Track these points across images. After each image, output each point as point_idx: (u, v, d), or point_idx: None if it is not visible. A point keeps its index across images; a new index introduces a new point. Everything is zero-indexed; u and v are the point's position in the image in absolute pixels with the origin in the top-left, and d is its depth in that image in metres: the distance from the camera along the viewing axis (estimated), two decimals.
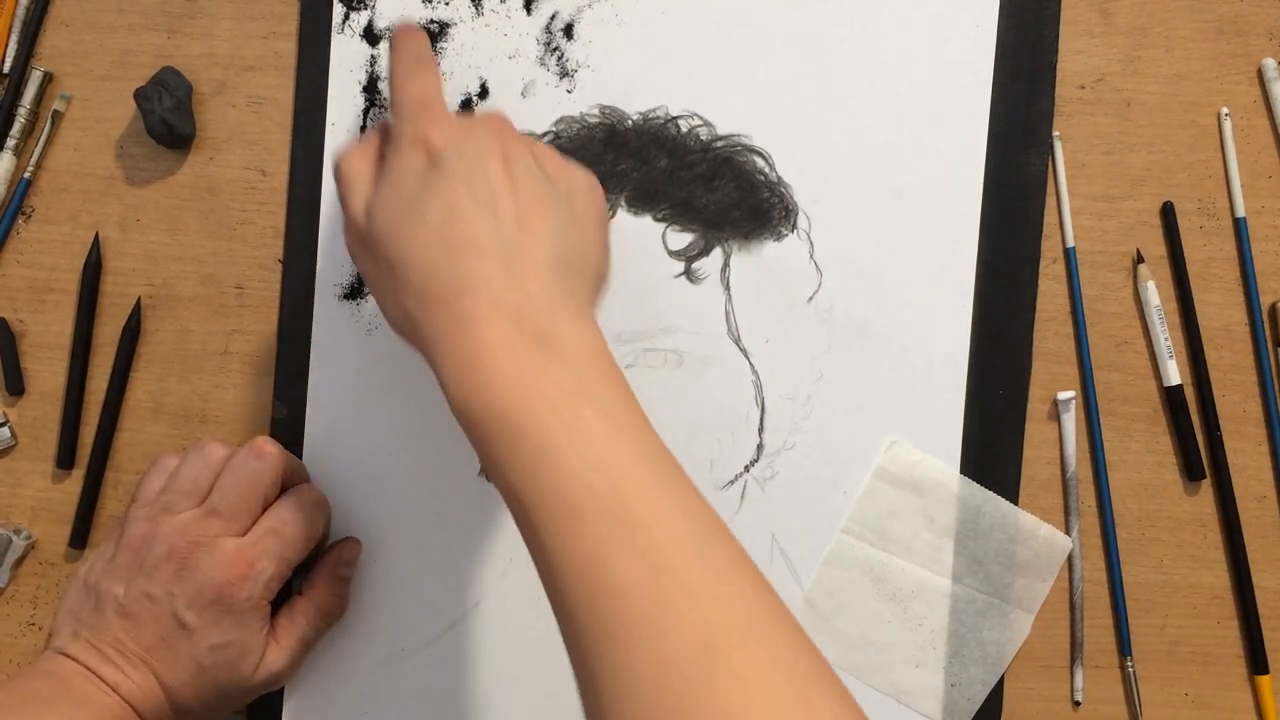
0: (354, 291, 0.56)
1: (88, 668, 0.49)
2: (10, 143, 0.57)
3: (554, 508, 0.38)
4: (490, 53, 0.56)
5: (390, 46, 0.49)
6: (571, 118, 0.55)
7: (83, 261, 0.57)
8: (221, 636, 0.49)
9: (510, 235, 0.43)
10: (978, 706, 0.55)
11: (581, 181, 0.47)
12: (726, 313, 0.55)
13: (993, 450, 0.56)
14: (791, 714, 0.34)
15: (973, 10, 0.55)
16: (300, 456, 0.56)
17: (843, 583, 0.55)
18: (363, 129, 0.56)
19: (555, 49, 0.56)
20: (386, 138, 0.47)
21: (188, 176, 0.57)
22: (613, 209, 0.55)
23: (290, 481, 0.53)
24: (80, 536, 0.57)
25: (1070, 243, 0.56)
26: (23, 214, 0.58)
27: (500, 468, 0.40)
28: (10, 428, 0.57)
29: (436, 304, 0.42)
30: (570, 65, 0.56)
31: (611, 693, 0.36)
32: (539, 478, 0.39)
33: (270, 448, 0.52)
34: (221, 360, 0.57)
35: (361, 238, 0.45)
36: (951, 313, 0.55)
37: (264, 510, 0.52)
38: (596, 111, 0.56)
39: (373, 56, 0.56)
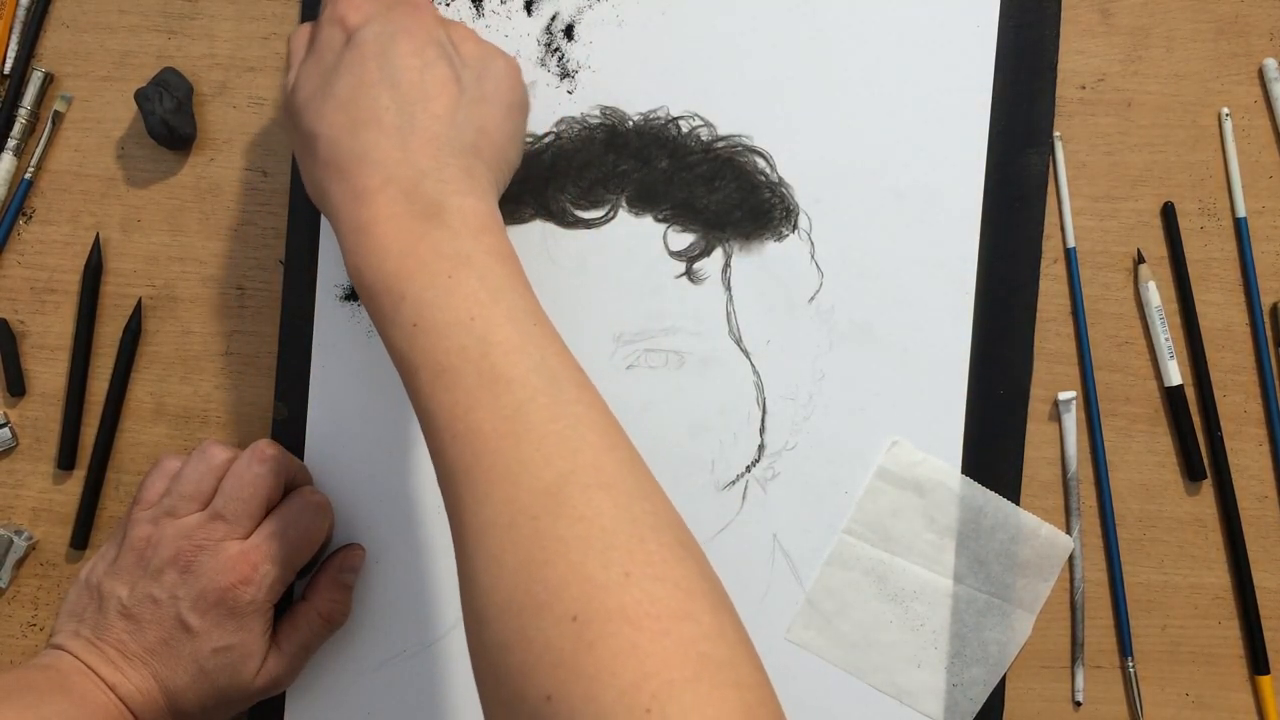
0: (355, 293, 0.56)
1: (87, 665, 0.49)
2: (11, 144, 0.57)
3: (429, 367, 0.41)
4: None
5: None
6: (572, 118, 0.55)
7: (84, 262, 0.57)
8: (224, 639, 0.49)
9: (410, 112, 0.45)
10: (979, 706, 0.55)
11: (498, 65, 0.49)
12: (728, 313, 0.55)
13: (994, 450, 0.56)
14: (625, 546, 0.38)
15: (973, 10, 0.55)
16: (302, 458, 0.56)
17: (844, 583, 0.55)
18: None
19: (556, 50, 0.56)
20: None
21: (188, 177, 0.57)
22: (614, 209, 0.55)
23: (293, 484, 0.53)
24: (81, 537, 0.57)
25: (1071, 243, 0.56)
26: (23, 215, 0.58)
27: (386, 332, 0.43)
28: (11, 428, 0.57)
29: (338, 175, 0.45)
30: (571, 66, 0.56)
31: (473, 530, 0.39)
32: (416, 339, 0.42)
33: (272, 450, 0.52)
34: (223, 361, 0.57)
35: (287, 110, 0.48)
36: (952, 313, 0.55)
37: (267, 513, 0.52)
38: (597, 112, 0.56)
39: None
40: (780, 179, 0.55)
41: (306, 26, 0.50)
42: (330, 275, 0.56)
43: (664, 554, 0.38)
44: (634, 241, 0.55)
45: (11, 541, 0.57)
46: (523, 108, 0.50)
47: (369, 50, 0.46)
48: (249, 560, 0.50)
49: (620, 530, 0.38)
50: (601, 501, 0.39)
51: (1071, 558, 0.56)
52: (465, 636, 0.40)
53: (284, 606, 0.53)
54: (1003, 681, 0.56)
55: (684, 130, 0.55)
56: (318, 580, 0.54)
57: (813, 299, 0.55)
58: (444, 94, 0.46)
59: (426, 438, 0.42)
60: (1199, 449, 0.56)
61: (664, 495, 0.41)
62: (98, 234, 0.57)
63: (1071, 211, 0.56)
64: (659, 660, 0.35)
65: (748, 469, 0.55)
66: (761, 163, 0.55)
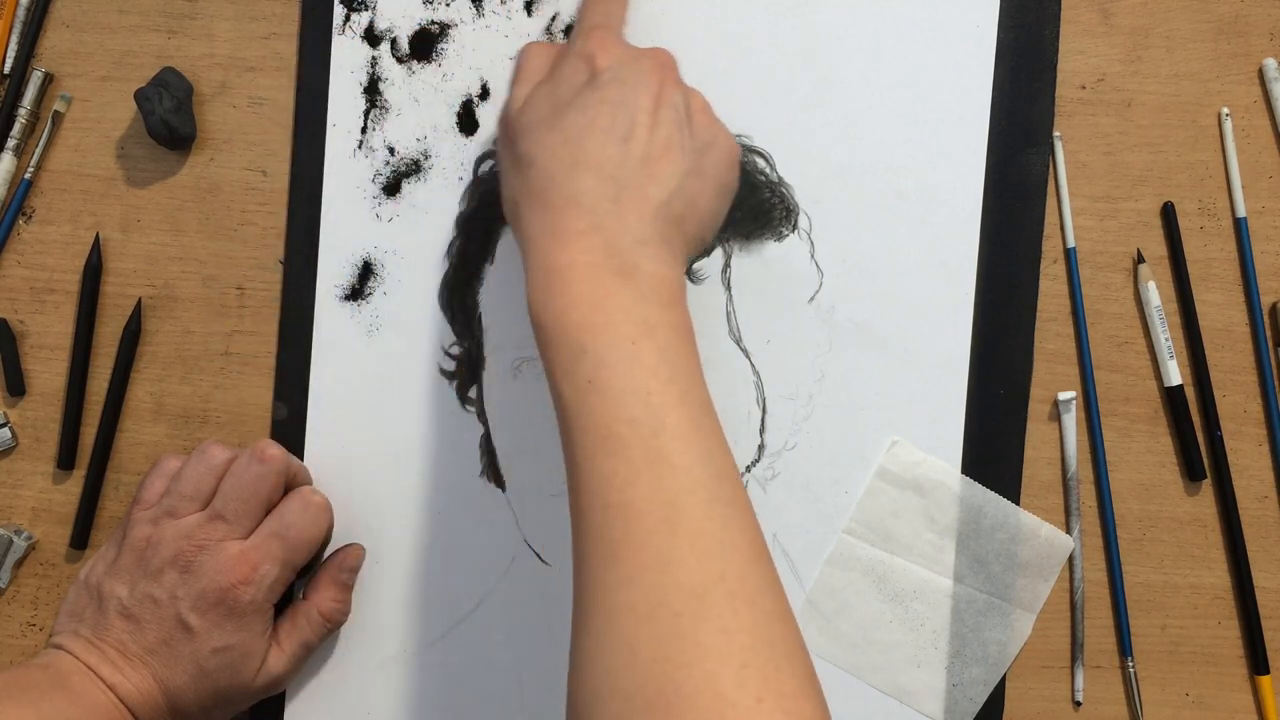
0: (355, 292, 0.56)
1: (87, 665, 0.49)
2: (11, 143, 0.57)
3: (596, 428, 0.41)
4: (491, 54, 0.56)
5: None
6: None
7: (83, 262, 0.57)
8: (224, 639, 0.49)
9: (632, 168, 0.45)
10: (979, 706, 0.55)
11: (722, 143, 0.49)
12: (727, 313, 0.55)
13: (994, 450, 0.56)
14: (761, 670, 0.37)
15: (973, 10, 0.55)
16: (302, 458, 0.56)
17: (845, 583, 0.55)
18: (363, 130, 0.56)
19: None
20: None
21: (188, 177, 0.57)
22: None
23: (293, 484, 0.53)
24: (81, 537, 0.57)
25: (1071, 243, 0.56)
26: (23, 215, 0.58)
27: (557, 379, 0.42)
28: (11, 428, 0.57)
29: (543, 208, 0.45)
30: None
31: (605, 608, 0.38)
32: (589, 397, 0.41)
33: (273, 450, 0.52)
34: (222, 361, 0.57)
35: (508, 127, 0.48)
36: (952, 313, 0.55)
37: (267, 513, 0.52)
38: None
39: (373, 57, 0.56)
40: (780, 179, 0.55)
41: (542, 46, 0.50)
42: (330, 275, 0.56)
43: (795, 686, 0.37)
44: None
45: (11, 541, 0.57)
46: (731, 192, 0.50)
47: (608, 95, 0.46)
48: (249, 560, 0.50)
49: (759, 652, 0.37)
50: (745, 616, 0.38)
51: (1071, 558, 0.56)
52: (566, 712, 0.39)
53: (284, 605, 0.53)
54: (1003, 681, 0.56)
55: None
56: (318, 579, 0.54)
57: (813, 299, 0.55)
58: (668, 159, 0.46)
59: (574, 501, 0.41)
60: (1199, 449, 0.56)
61: (794, 620, 0.40)
62: (97, 234, 0.57)
63: (1071, 211, 0.56)
64: None
65: (748, 469, 0.55)
66: (761, 163, 0.55)
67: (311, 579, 0.54)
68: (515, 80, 0.50)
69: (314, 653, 0.54)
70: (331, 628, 0.54)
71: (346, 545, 0.55)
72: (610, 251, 0.43)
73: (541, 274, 0.44)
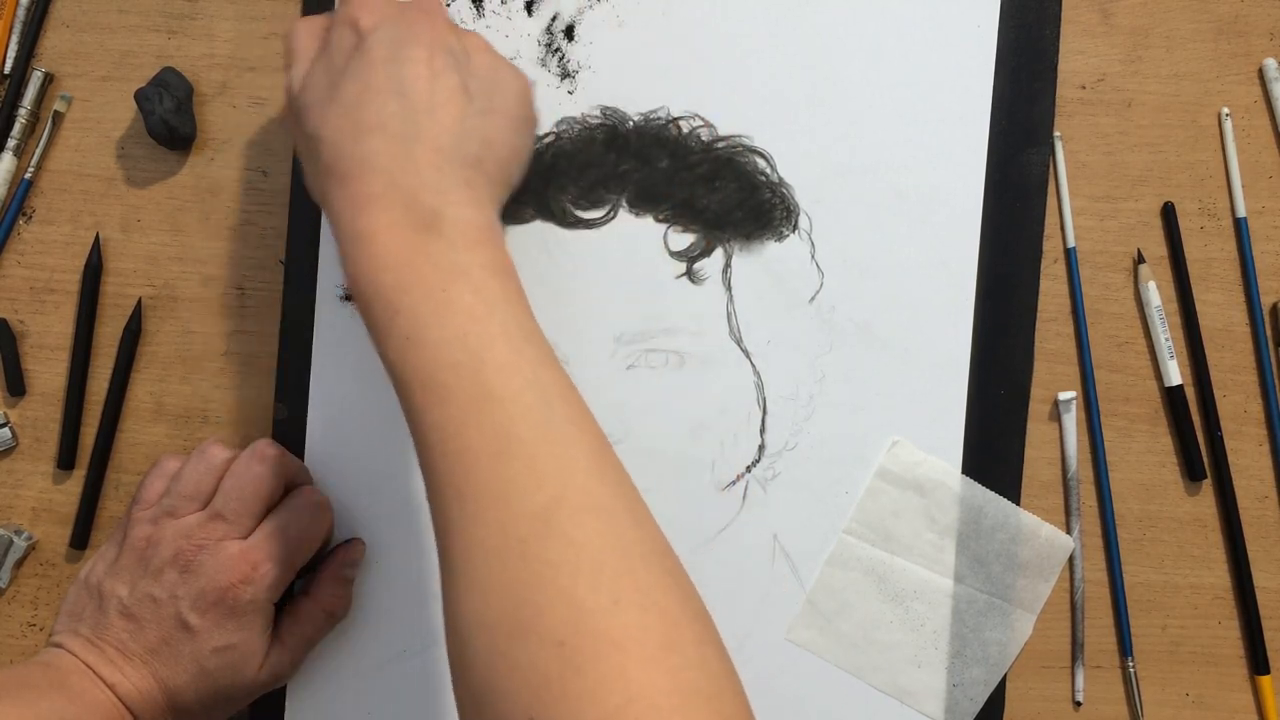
0: None
1: (86, 664, 0.49)
2: (11, 143, 0.57)
3: (422, 382, 0.41)
4: None
5: None
6: (573, 119, 0.55)
7: (83, 262, 0.57)
8: (225, 639, 0.49)
9: (416, 120, 0.45)
10: (979, 707, 0.55)
11: (508, 79, 0.48)
12: (728, 313, 0.55)
13: (994, 450, 0.56)
14: (614, 573, 0.38)
15: (973, 10, 0.55)
16: (302, 458, 0.56)
17: (845, 583, 0.55)
18: None
19: (556, 50, 0.56)
20: None
21: (188, 177, 0.57)
22: (614, 210, 0.55)
23: (293, 483, 0.53)
24: (81, 537, 0.57)
25: (1071, 243, 0.56)
26: (23, 215, 0.58)
27: (380, 344, 0.43)
28: (11, 428, 0.57)
29: (339, 180, 0.44)
30: (571, 66, 0.56)
31: (460, 549, 0.39)
32: (409, 354, 0.42)
33: (272, 450, 0.52)
34: (222, 361, 0.57)
35: (292, 110, 0.48)
36: (952, 313, 0.55)
37: (267, 513, 0.52)
38: (598, 113, 0.56)
39: None
40: (780, 179, 0.55)
41: (308, 21, 0.49)
42: (330, 275, 0.56)
43: (653, 582, 0.38)
44: (634, 242, 0.55)
45: (11, 541, 0.57)
46: (530, 123, 0.50)
47: (379, 55, 0.45)
48: (249, 559, 0.50)
49: (610, 556, 0.38)
50: (592, 526, 0.39)
51: (1071, 558, 0.56)
52: (447, 654, 0.40)
53: (284, 601, 0.53)
54: (1003, 681, 0.56)
55: (684, 130, 0.55)
56: (319, 575, 0.54)
57: (813, 299, 0.55)
58: (451, 104, 0.45)
59: (419, 453, 0.42)
60: (1199, 449, 0.56)
61: (654, 521, 0.41)
62: (98, 234, 0.57)
63: (1071, 211, 0.56)
64: (646, 687, 0.35)
65: (748, 469, 0.55)
66: (762, 163, 0.55)
67: (313, 575, 0.54)
68: (289, 61, 0.49)
69: (315, 649, 0.54)
70: (334, 622, 0.54)
71: (347, 540, 0.55)
72: (410, 207, 0.43)
73: (348, 243, 0.43)
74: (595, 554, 0.38)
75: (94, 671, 0.49)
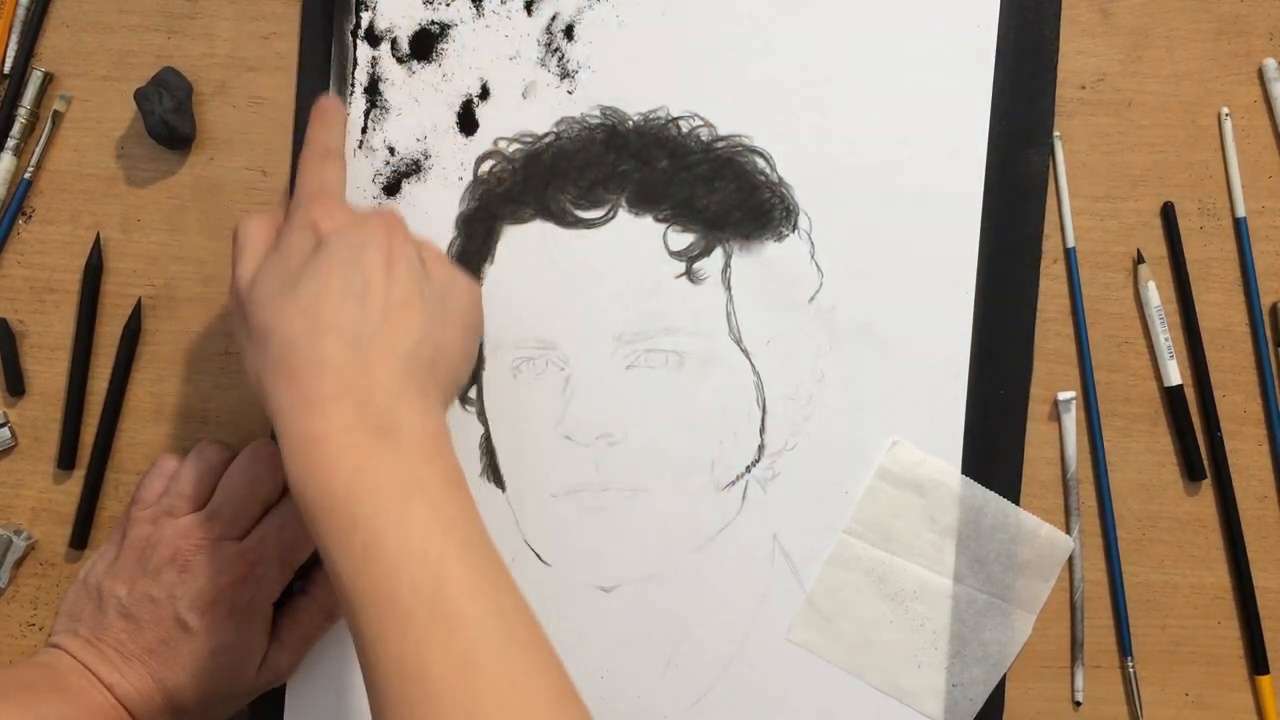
0: None
1: (85, 665, 0.49)
2: (10, 143, 0.57)
3: (378, 598, 0.40)
4: (491, 54, 0.56)
5: (309, 121, 0.52)
6: (572, 119, 0.55)
7: (83, 262, 0.57)
8: (223, 639, 0.49)
9: (373, 325, 0.44)
10: (979, 707, 0.55)
11: (461, 286, 0.49)
12: (728, 313, 0.55)
13: (993, 450, 0.56)
14: None
15: (973, 10, 0.55)
16: None
17: (845, 583, 0.55)
18: (363, 130, 0.56)
19: (556, 50, 0.56)
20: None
21: (188, 177, 0.57)
22: (614, 210, 0.55)
23: None
24: (81, 537, 0.57)
25: (1071, 243, 0.56)
26: (23, 215, 0.58)
27: (330, 552, 0.41)
28: (11, 428, 0.57)
29: (289, 379, 0.43)
30: (571, 66, 0.56)
31: None
32: (365, 568, 0.40)
33: (270, 449, 0.52)
34: (222, 361, 0.57)
35: (240, 301, 0.47)
36: (952, 313, 0.55)
37: (265, 512, 0.52)
38: (597, 112, 0.56)
39: (373, 57, 0.56)
40: (780, 179, 0.55)
41: (259, 218, 0.49)
42: None
43: None
44: (634, 241, 0.55)
45: (11, 541, 0.57)
46: (478, 330, 0.50)
47: (338, 259, 0.45)
48: (246, 559, 0.50)
49: None
50: None
51: (1071, 558, 0.56)
52: None
53: (282, 601, 0.53)
54: (1003, 681, 0.56)
55: (684, 130, 0.55)
56: (318, 574, 0.54)
57: (813, 299, 0.55)
58: (408, 310, 0.45)
59: (366, 672, 0.40)
60: (1199, 449, 0.56)
61: None
62: (97, 234, 0.57)
63: (1071, 211, 0.56)
64: None
65: (748, 469, 0.55)
66: (761, 163, 0.55)
67: (311, 573, 0.54)
68: (238, 256, 0.48)
69: (315, 649, 0.54)
70: (332, 620, 0.54)
71: None
72: (364, 412, 0.42)
73: (298, 446, 0.42)
74: None
75: (92, 672, 0.49)
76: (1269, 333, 0.56)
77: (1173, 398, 0.56)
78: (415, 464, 0.42)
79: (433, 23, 0.56)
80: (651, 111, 0.55)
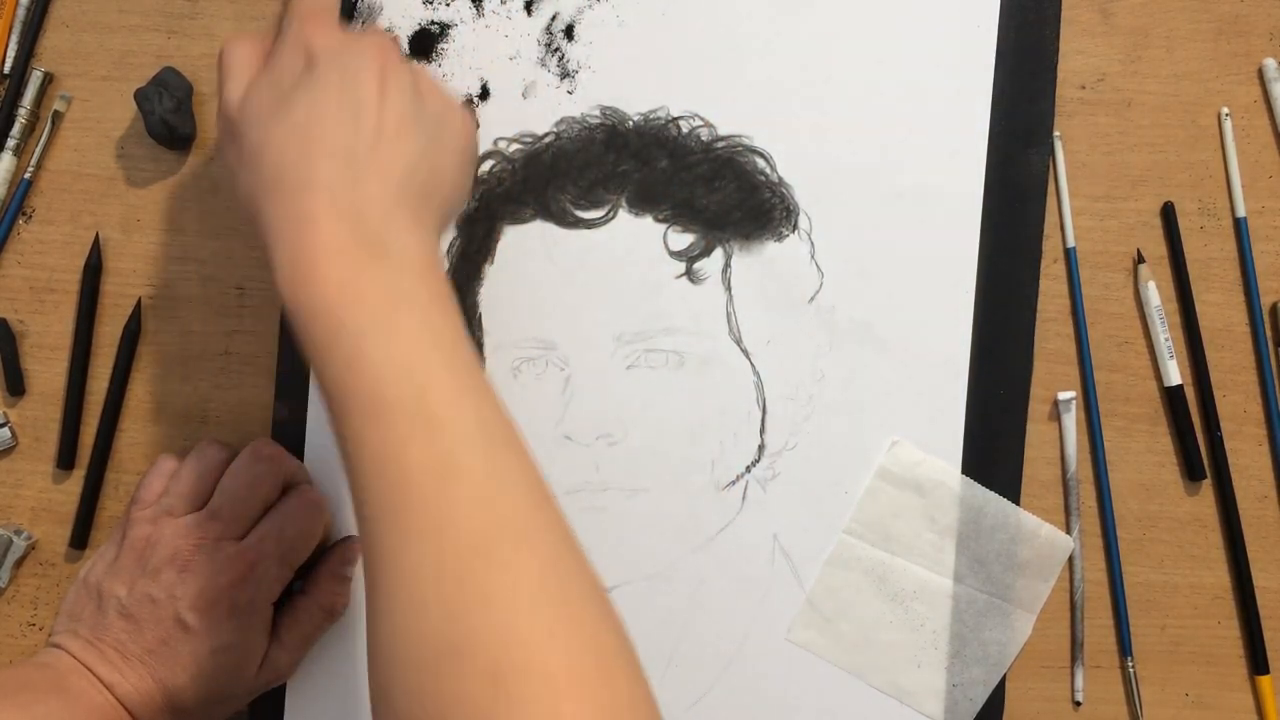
0: None
1: (85, 665, 0.49)
2: (10, 143, 0.57)
3: (362, 403, 0.40)
4: (491, 54, 0.56)
5: None
6: (572, 119, 0.55)
7: (83, 262, 0.57)
8: (223, 639, 0.49)
9: (366, 146, 0.44)
10: (979, 707, 0.55)
11: (455, 113, 0.48)
12: (728, 313, 0.55)
13: (993, 450, 0.56)
14: (550, 605, 0.38)
15: (973, 10, 0.55)
16: (301, 458, 0.56)
17: (845, 583, 0.55)
18: None
19: (556, 50, 0.56)
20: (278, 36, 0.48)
21: (188, 177, 0.57)
22: (614, 210, 0.55)
23: (291, 482, 0.53)
24: (81, 537, 0.57)
25: (1071, 243, 0.56)
26: (23, 215, 0.58)
27: (319, 362, 0.41)
28: (11, 428, 0.57)
29: (281, 196, 0.43)
30: (571, 66, 0.56)
31: (393, 574, 0.38)
32: (351, 373, 0.41)
33: (270, 449, 0.52)
34: (222, 361, 0.57)
35: (230, 124, 0.46)
36: (952, 313, 0.55)
37: (265, 512, 0.52)
38: (597, 112, 0.56)
39: None
40: (780, 179, 0.55)
41: (245, 39, 0.48)
42: None
43: (588, 616, 0.38)
44: (634, 242, 0.55)
45: (11, 541, 0.57)
46: (473, 157, 0.49)
47: (332, 78, 0.45)
48: (246, 559, 0.50)
49: (547, 589, 0.38)
50: (529, 558, 0.38)
51: (1071, 558, 0.56)
52: (368, 666, 0.39)
53: (283, 600, 0.53)
54: (1003, 681, 0.56)
55: (684, 130, 0.55)
56: (317, 573, 0.54)
57: (813, 299, 0.55)
58: (402, 132, 0.45)
59: (350, 475, 0.41)
60: (1199, 449, 0.56)
61: (585, 557, 0.40)
62: (97, 234, 0.57)
63: (1071, 211, 0.56)
64: None
65: (748, 469, 0.55)
66: (761, 163, 0.55)
67: (311, 573, 0.54)
68: (224, 77, 0.47)
69: (314, 648, 0.54)
70: (332, 620, 0.54)
71: (345, 538, 0.55)
72: (356, 229, 0.42)
73: (288, 259, 0.42)
74: (532, 585, 0.38)
75: (92, 672, 0.49)
76: (1269, 333, 0.56)
77: (1173, 398, 0.56)
78: (404, 279, 0.42)
79: (432, 23, 0.56)
80: (651, 111, 0.55)
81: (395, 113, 0.45)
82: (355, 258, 0.42)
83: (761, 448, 0.55)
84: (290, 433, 0.56)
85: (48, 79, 0.57)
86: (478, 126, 0.49)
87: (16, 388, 0.57)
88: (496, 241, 0.56)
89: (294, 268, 0.42)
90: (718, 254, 0.55)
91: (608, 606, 0.39)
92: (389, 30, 0.48)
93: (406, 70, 0.47)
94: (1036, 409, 0.56)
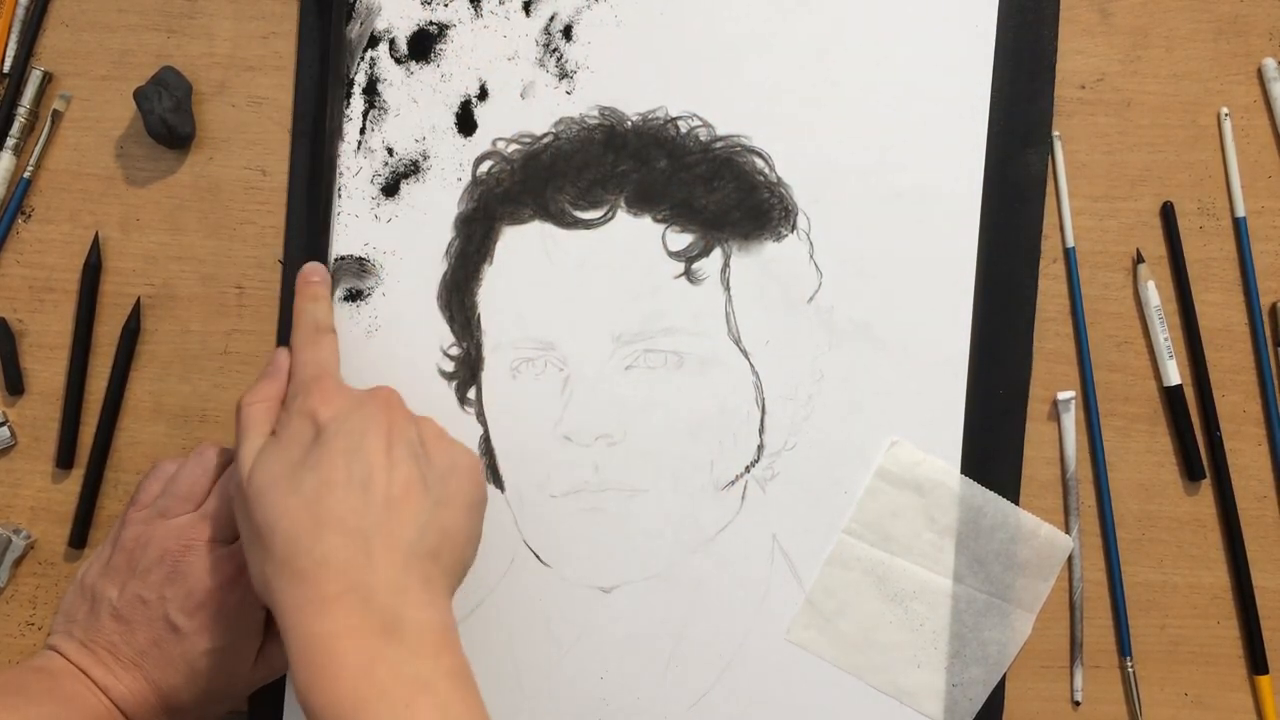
0: (354, 294, 0.56)
1: (79, 668, 0.49)
2: (10, 142, 0.57)
3: None
4: (489, 54, 0.56)
5: (295, 293, 0.53)
6: (571, 119, 0.55)
7: (82, 261, 0.57)
8: (214, 641, 0.49)
9: (376, 517, 0.44)
10: (979, 706, 0.55)
11: (463, 462, 0.48)
12: (727, 313, 0.55)
13: (993, 450, 0.56)
14: None
15: (972, 10, 0.55)
16: None
17: (844, 583, 0.55)
18: (362, 131, 0.56)
19: (554, 50, 0.56)
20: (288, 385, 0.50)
21: (187, 176, 0.57)
22: (613, 210, 0.55)
23: None
24: (80, 536, 0.57)
25: (1070, 243, 0.56)
26: (22, 214, 0.58)
27: None
28: (10, 427, 0.57)
29: (294, 578, 0.43)
30: (569, 66, 0.56)
31: None
32: None
33: None
34: (221, 360, 0.57)
35: (241, 493, 0.47)
36: (952, 313, 0.55)
37: None
38: (596, 113, 0.56)
39: (372, 58, 0.56)
40: (779, 179, 0.55)
41: (262, 397, 0.49)
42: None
43: None
44: (633, 242, 0.55)
45: (10, 540, 0.57)
46: (482, 506, 0.49)
47: (338, 447, 0.45)
48: (235, 562, 0.50)
49: None
50: None
51: (1071, 558, 0.56)
52: None
53: None
54: (1002, 681, 0.56)
55: (683, 130, 0.55)
56: None
57: (812, 299, 0.55)
58: (410, 497, 0.45)
59: None
60: (1198, 449, 0.56)
61: None
62: (96, 233, 0.57)
63: (1071, 211, 0.56)
64: None
65: (747, 469, 0.55)
66: (760, 163, 0.55)
67: None
68: (241, 437, 0.49)
69: None
70: None
71: None
72: (369, 610, 0.42)
73: (302, 648, 0.42)
74: None
75: (86, 675, 0.49)
76: (1268, 333, 0.56)
77: (1172, 398, 0.56)
78: (422, 662, 0.42)
79: (431, 23, 0.56)
80: (650, 112, 0.55)
81: (403, 475, 0.46)
82: (369, 643, 0.42)
83: (761, 448, 0.55)
84: None
85: (47, 78, 0.57)
86: (483, 465, 0.50)
87: (16, 387, 0.57)
88: (495, 242, 0.56)
89: (308, 655, 0.42)
90: (716, 254, 0.55)
91: None
92: (386, 388, 0.50)
93: (412, 428, 0.48)
94: (1036, 409, 0.56)
